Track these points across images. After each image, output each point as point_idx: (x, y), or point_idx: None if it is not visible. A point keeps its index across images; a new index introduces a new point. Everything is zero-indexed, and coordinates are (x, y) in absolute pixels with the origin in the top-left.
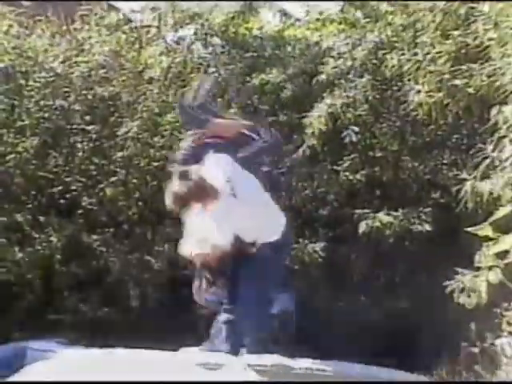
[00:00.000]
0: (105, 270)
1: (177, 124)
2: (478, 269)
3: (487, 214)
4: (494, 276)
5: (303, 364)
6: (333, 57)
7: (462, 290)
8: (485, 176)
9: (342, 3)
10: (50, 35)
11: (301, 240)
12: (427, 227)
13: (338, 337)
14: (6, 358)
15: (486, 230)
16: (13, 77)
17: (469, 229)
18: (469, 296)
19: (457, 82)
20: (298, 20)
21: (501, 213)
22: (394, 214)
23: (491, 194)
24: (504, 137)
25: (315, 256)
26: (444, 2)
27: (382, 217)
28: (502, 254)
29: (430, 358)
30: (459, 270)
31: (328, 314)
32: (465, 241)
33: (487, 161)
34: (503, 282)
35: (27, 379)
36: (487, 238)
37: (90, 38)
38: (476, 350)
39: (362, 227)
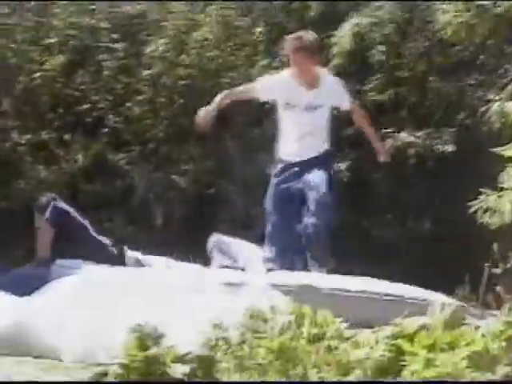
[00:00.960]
0: (130, 189)
1: (204, 42)
2: (502, 189)
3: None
4: None
5: (330, 283)
6: None
7: (486, 211)
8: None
9: None
10: None
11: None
12: (450, 148)
13: (361, 255)
14: (33, 276)
15: (511, 150)
16: None
17: (494, 149)
18: (492, 216)
19: (485, 1)
20: None
21: None
22: (417, 133)
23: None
24: None
25: (340, 175)
26: None
27: (405, 136)
28: None
29: (452, 279)
30: (483, 190)
31: (352, 233)
32: (490, 162)
33: None
34: None
35: (48, 294)
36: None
37: None
38: (498, 270)
39: (386, 146)
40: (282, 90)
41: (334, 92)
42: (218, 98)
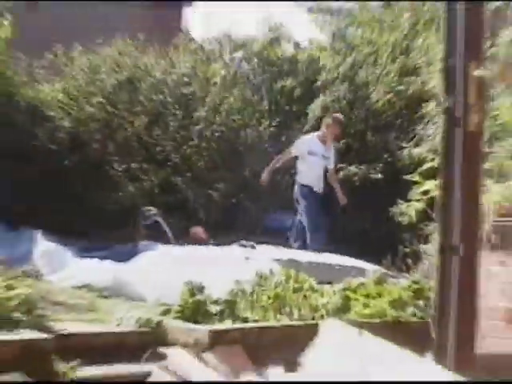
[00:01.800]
0: (185, 200)
1: (231, 110)
2: (410, 200)
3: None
4: (419, 205)
5: (307, 258)
6: (325, 71)
7: (401, 214)
8: (416, 145)
9: (331, 39)
10: (155, 56)
11: None
12: (379, 175)
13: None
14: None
15: (416, 177)
16: (132, 81)
17: (405, 176)
18: (403, 217)
19: (401, 87)
20: (304, 47)
21: (425, 167)
22: (360, 167)
23: (419, 156)
24: (428, 121)
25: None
26: (393, 38)
27: (352, 168)
28: (425, 192)
29: (380, 255)
30: (399, 201)
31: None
32: (404, 184)
33: (417, 136)
34: (425, 209)
35: (138, 261)
36: (417, 182)
37: (178, 58)
38: (407, 250)
39: (340, 175)
40: (309, 143)
41: (332, 154)
42: (274, 161)
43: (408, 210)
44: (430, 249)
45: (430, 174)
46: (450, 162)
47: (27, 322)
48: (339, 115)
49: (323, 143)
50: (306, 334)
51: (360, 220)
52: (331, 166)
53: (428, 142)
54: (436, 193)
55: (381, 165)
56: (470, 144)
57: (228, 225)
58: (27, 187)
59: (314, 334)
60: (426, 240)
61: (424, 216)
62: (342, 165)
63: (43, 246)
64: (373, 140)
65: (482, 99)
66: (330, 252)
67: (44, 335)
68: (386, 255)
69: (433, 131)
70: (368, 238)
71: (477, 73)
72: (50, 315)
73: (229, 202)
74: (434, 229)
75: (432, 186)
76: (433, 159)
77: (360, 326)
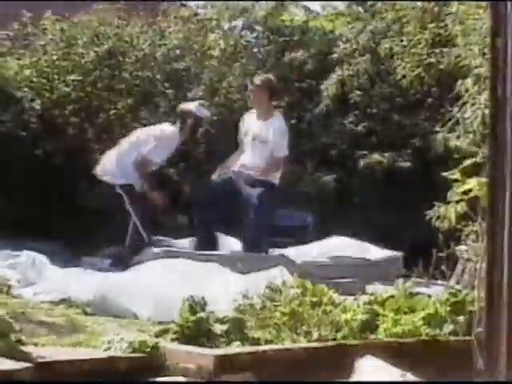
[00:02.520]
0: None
1: (230, 88)
2: (449, 202)
3: (451, 159)
4: (460, 208)
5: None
6: (342, 41)
7: (438, 217)
8: (451, 130)
9: (347, 2)
10: (140, 25)
11: (317, 173)
12: (407, 164)
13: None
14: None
15: (456, 174)
16: (114, 55)
17: (443, 173)
18: (442, 222)
19: (431, 60)
20: (317, 13)
21: (466, 163)
22: (384, 154)
23: (456, 145)
24: (466, 102)
25: (328, 184)
26: (421, 3)
27: (374, 156)
28: (466, 192)
29: (411, 260)
30: (436, 203)
31: (338, 223)
32: (435, 175)
33: (453, 119)
34: (466, 211)
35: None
36: (456, 180)
37: (169, 27)
38: (443, 254)
39: (361, 164)
40: (245, 121)
41: (271, 134)
42: None
43: (447, 213)
44: (469, 251)
45: (472, 171)
46: (497, 158)
47: (1, 349)
48: (264, 76)
49: (260, 119)
50: (327, 358)
51: (385, 219)
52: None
53: (465, 126)
54: (479, 192)
55: (409, 151)
56: None
57: (231, 222)
58: None
59: (336, 358)
60: (463, 242)
61: (464, 218)
62: (362, 151)
63: (14, 255)
64: (399, 122)
65: None
66: None
67: (22, 364)
68: (417, 260)
69: (471, 114)
70: (395, 239)
71: None
72: (26, 339)
73: None
74: (471, 230)
75: (474, 184)
76: (475, 153)
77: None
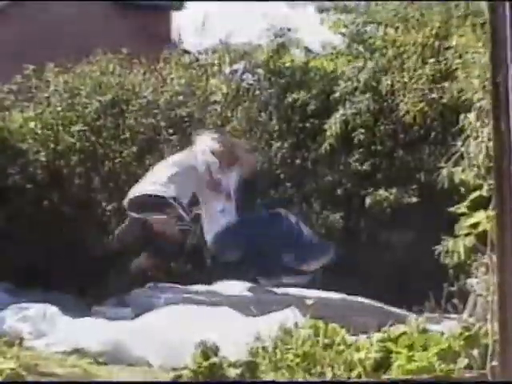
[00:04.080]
0: None
1: (234, 132)
2: (457, 236)
3: (457, 193)
4: (468, 241)
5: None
6: (343, 80)
7: (446, 252)
8: (456, 165)
9: (347, 41)
10: (142, 73)
11: (324, 212)
12: (414, 199)
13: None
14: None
15: (462, 208)
16: (117, 104)
17: (450, 208)
18: (452, 257)
19: (433, 95)
20: (317, 54)
21: (472, 196)
22: (390, 190)
23: (461, 179)
24: (469, 136)
25: (335, 223)
26: (422, 38)
27: (381, 193)
28: (474, 225)
29: (422, 297)
30: (444, 237)
31: (346, 262)
32: (444, 212)
33: (457, 154)
34: (475, 245)
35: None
36: (463, 214)
37: (170, 73)
38: (454, 288)
39: (367, 201)
40: None
41: None
42: None
43: (456, 247)
44: (480, 285)
45: (479, 204)
46: (503, 190)
47: None
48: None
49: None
50: None
51: (393, 255)
52: None
53: (470, 160)
54: (487, 225)
55: (415, 187)
56: None
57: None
58: None
59: None
60: (473, 275)
61: (473, 251)
62: (368, 189)
63: (24, 307)
64: (403, 158)
65: None
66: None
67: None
68: (428, 295)
69: (475, 147)
70: (405, 275)
71: None
72: None
73: None
74: (481, 263)
75: (482, 217)
76: (480, 186)
77: None
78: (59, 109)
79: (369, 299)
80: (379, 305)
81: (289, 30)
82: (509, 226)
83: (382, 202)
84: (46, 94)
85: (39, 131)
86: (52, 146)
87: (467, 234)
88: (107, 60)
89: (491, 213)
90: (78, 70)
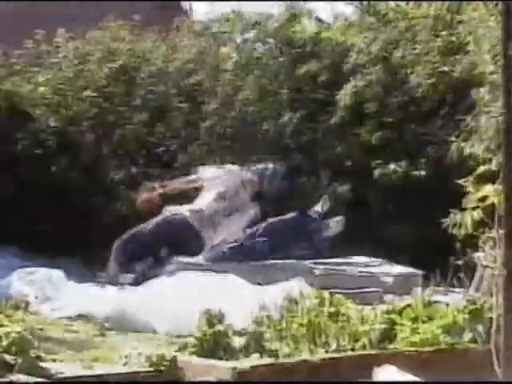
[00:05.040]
0: None
1: (246, 101)
2: (465, 209)
3: (466, 167)
4: (476, 214)
5: None
6: (354, 51)
7: (454, 225)
8: (465, 139)
9: (359, 13)
10: (153, 40)
11: (333, 183)
12: (423, 173)
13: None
14: None
15: (470, 181)
16: (127, 71)
17: (458, 181)
18: (459, 229)
19: (445, 68)
20: (328, 24)
21: (480, 170)
22: (399, 163)
23: (470, 153)
24: (480, 111)
25: (343, 195)
26: (434, 11)
27: (389, 166)
28: (482, 199)
29: (429, 268)
30: (451, 210)
31: (354, 229)
32: (452, 185)
33: (468, 128)
34: (482, 218)
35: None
36: (471, 187)
37: (181, 41)
38: (460, 262)
39: (376, 174)
40: None
41: None
42: None
43: (463, 220)
44: (487, 258)
45: (487, 178)
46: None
47: (21, 365)
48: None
49: None
50: (346, 369)
51: (401, 227)
52: None
53: (480, 134)
54: (494, 199)
55: (424, 160)
56: None
57: None
58: (7, 200)
59: (355, 369)
60: (481, 249)
61: (481, 225)
62: (377, 161)
63: (31, 272)
64: (413, 131)
65: None
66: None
67: (41, 381)
68: (434, 268)
69: (485, 122)
70: (412, 247)
71: None
72: (45, 355)
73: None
74: (488, 237)
75: (490, 191)
76: (489, 160)
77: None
78: (70, 75)
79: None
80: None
81: None
82: None
83: (391, 175)
84: (56, 60)
85: (49, 96)
86: (62, 111)
87: (475, 208)
88: (118, 27)
89: (499, 186)
90: (89, 36)
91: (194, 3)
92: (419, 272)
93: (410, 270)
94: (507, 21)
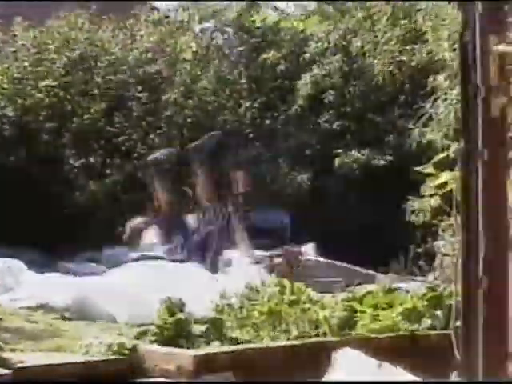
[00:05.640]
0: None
1: (205, 91)
2: (423, 196)
3: (425, 154)
4: (434, 201)
5: None
6: (314, 41)
7: (413, 212)
8: (425, 126)
9: (317, 2)
10: (111, 29)
11: (293, 173)
12: (382, 161)
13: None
14: None
15: (429, 168)
16: (85, 60)
17: (416, 168)
18: (417, 216)
19: (403, 58)
20: (288, 14)
21: (439, 156)
22: (361, 151)
23: (430, 141)
24: (438, 97)
25: (303, 184)
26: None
27: (351, 154)
28: (440, 186)
29: (389, 256)
30: (410, 197)
31: (313, 222)
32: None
33: (426, 115)
34: (441, 205)
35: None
36: (430, 174)
37: (140, 30)
38: (420, 250)
39: (337, 162)
40: None
41: None
42: None
43: (422, 206)
44: (446, 246)
45: (445, 165)
46: (469, 152)
47: None
48: None
49: None
50: (307, 356)
51: (362, 216)
52: None
53: (438, 121)
54: (453, 186)
55: (384, 149)
56: (492, 131)
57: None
58: None
59: (316, 356)
60: (440, 237)
61: (439, 212)
62: (338, 150)
63: None
64: (373, 120)
65: (505, 80)
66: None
67: (1, 370)
68: (394, 256)
69: (444, 109)
70: (372, 236)
71: (499, 48)
72: (4, 346)
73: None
74: (447, 224)
75: (448, 177)
76: (447, 146)
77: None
78: (27, 64)
79: (336, 259)
80: (345, 264)
81: None
82: (473, 187)
83: (352, 163)
84: (14, 49)
85: (6, 86)
86: (20, 101)
87: (432, 195)
88: (76, 15)
89: (457, 173)
90: (47, 25)
91: None
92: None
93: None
94: (464, 8)
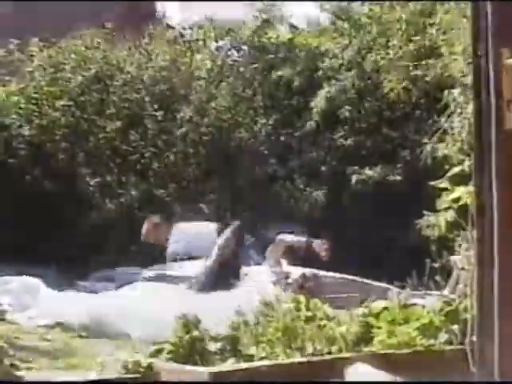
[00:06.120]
0: (170, 216)
1: (221, 108)
2: (438, 211)
3: (440, 169)
4: (449, 215)
5: None
6: (328, 57)
7: (428, 226)
8: (440, 141)
9: (332, 18)
10: (127, 48)
11: (307, 189)
12: (398, 177)
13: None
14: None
15: (443, 183)
16: (101, 79)
17: (431, 182)
18: (432, 230)
19: (418, 72)
20: (302, 30)
21: (454, 171)
22: (374, 169)
23: (445, 155)
24: (453, 112)
25: (318, 200)
26: (406, 15)
27: (366, 172)
28: (455, 200)
29: (404, 271)
30: (425, 212)
31: (328, 238)
32: (427, 189)
33: (441, 130)
34: (456, 219)
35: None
36: (445, 189)
37: (155, 49)
38: (436, 265)
39: (353, 179)
40: None
41: None
42: None
43: (437, 221)
44: (462, 260)
45: (460, 179)
46: (484, 167)
47: None
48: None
49: None
50: (322, 372)
51: (377, 231)
52: None
53: (453, 136)
54: (468, 200)
55: (399, 165)
56: (506, 144)
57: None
58: None
59: (331, 372)
60: (456, 251)
61: (454, 226)
62: (354, 166)
63: (6, 280)
64: (388, 136)
65: None
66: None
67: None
68: (410, 272)
69: (458, 123)
70: (388, 251)
71: (511, 62)
72: (20, 364)
73: (222, 215)
74: (463, 239)
75: (463, 192)
76: (462, 161)
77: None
78: (43, 83)
79: (352, 275)
80: (361, 279)
81: (273, 5)
82: (488, 201)
83: (367, 180)
84: (30, 69)
85: (23, 105)
86: (36, 120)
87: (447, 208)
88: (91, 35)
89: (472, 188)
90: (63, 45)
91: (167, 10)
92: None
93: None
94: (476, 21)
